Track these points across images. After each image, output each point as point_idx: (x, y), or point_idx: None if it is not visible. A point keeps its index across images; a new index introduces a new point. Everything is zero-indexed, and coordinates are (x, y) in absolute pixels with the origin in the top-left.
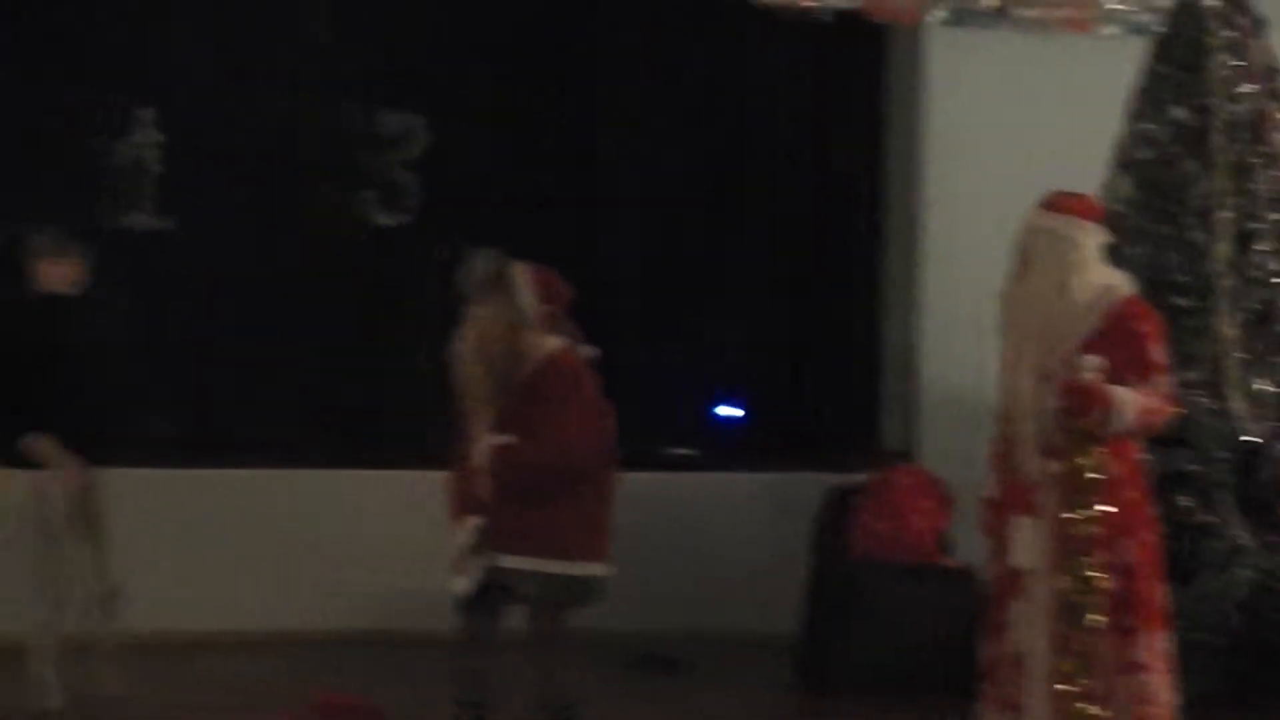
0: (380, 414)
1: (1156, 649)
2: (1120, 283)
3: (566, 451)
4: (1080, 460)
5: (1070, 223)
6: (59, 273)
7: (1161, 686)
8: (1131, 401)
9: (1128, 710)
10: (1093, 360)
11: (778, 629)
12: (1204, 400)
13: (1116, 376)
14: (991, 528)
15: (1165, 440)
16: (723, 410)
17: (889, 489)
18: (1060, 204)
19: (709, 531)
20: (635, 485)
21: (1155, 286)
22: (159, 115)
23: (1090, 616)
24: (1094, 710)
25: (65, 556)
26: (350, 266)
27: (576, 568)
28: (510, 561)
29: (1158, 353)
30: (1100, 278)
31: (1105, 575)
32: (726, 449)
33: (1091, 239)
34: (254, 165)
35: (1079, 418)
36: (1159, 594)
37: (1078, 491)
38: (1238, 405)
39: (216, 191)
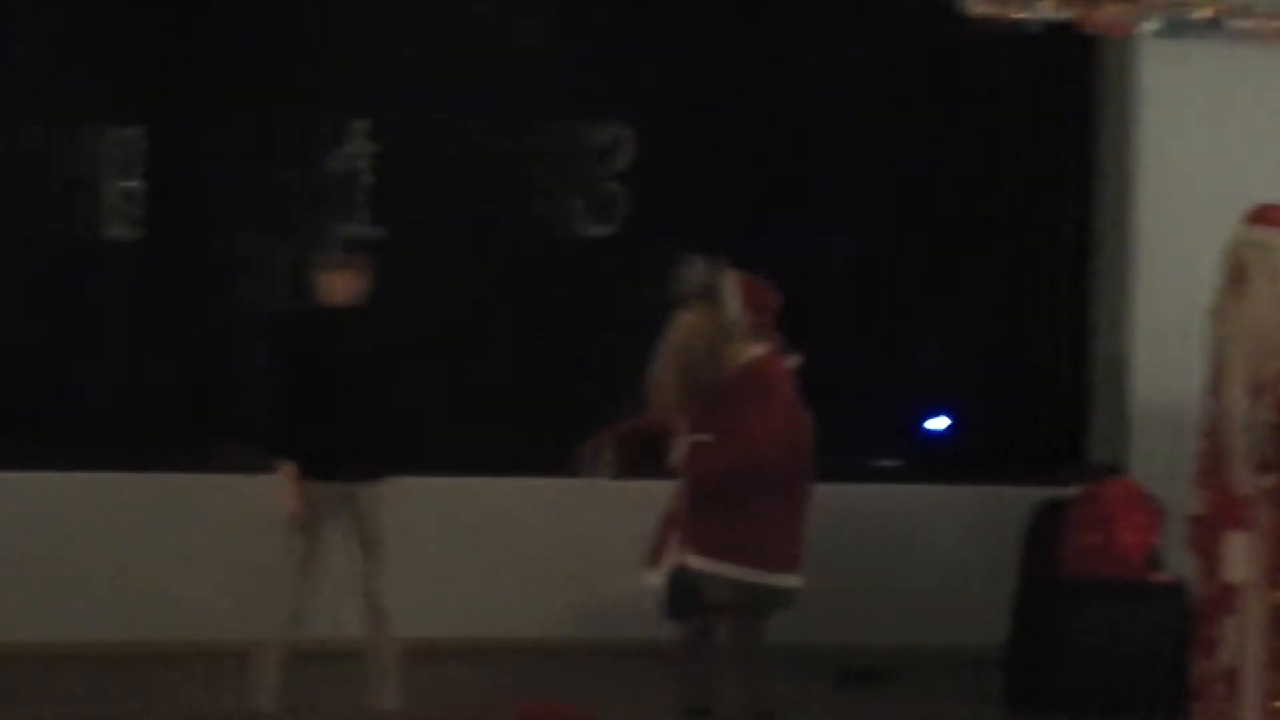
0: (588, 424)
1: None
2: None
3: (756, 451)
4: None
5: (1274, 234)
6: (345, 282)
7: None
8: None
9: None
10: None
11: (982, 644)
12: None
13: None
14: (1199, 544)
15: None
16: (930, 422)
17: (1098, 503)
18: (1270, 216)
19: (913, 544)
20: (839, 496)
21: None
22: (373, 127)
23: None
24: None
25: (309, 564)
26: (560, 276)
27: (768, 577)
28: (697, 563)
29: None
30: None
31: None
32: (932, 461)
33: None
34: (464, 177)
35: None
36: None
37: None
38: None
39: (427, 202)
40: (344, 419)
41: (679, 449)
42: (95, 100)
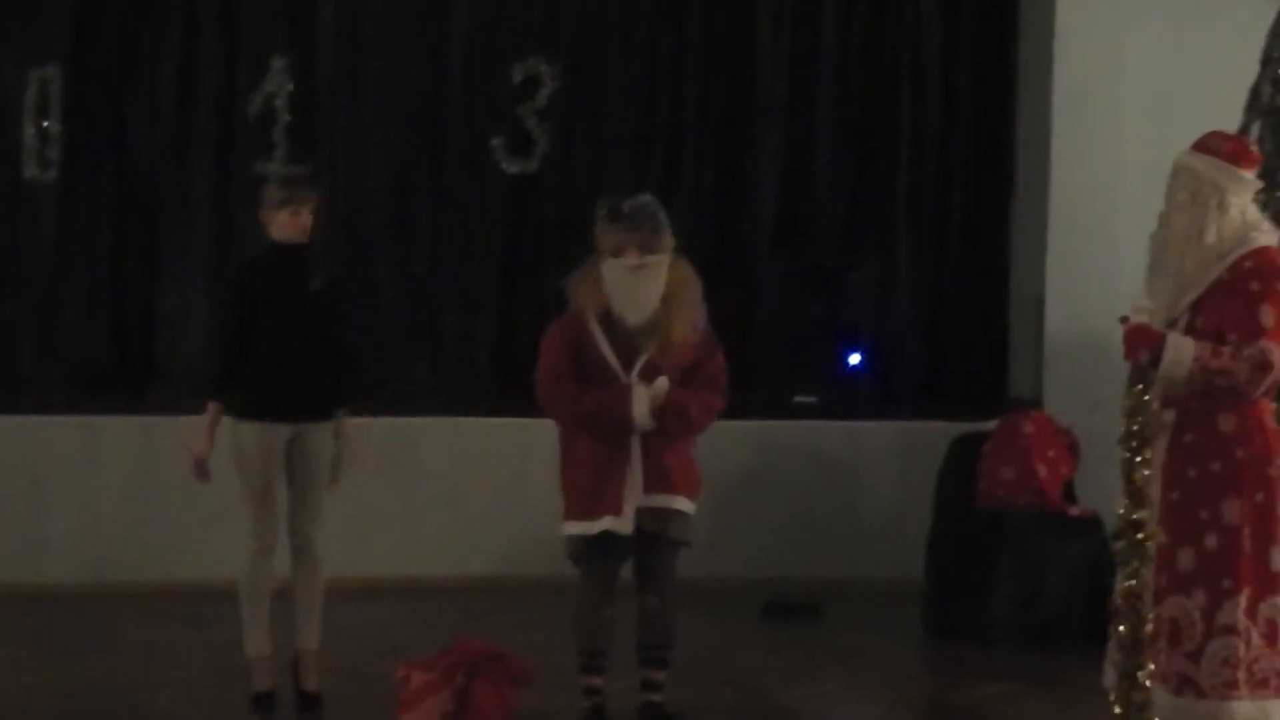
0: (514, 361)
1: (1252, 614)
2: (1262, 234)
3: (712, 399)
4: (1125, 401)
5: (1214, 165)
6: (293, 219)
7: (1261, 655)
8: (1189, 353)
9: (1217, 674)
10: (1182, 344)
11: (905, 575)
12: None
13: (1222, 329)
14: None
15: None
16: (851, 359)
17: (1015, 436)
18: (1208, 145)
19: (838, 480)
20: (767, 433)
21: None
22: (292, 64)
23: (1128, 568)
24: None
25: (271, 505)
26: (488, 214)
27: (691, 505)
28: (656, 499)
29: (1268, 315)
30: (1239, 226)
31: (1175, 530)
32: (854, 397)
33: (1237, 184)
34: (388, 113)
35: (1131, 355)
36: (1265, 558)
37: (1128, 438)
38: None
39: (347, 140)
40: (294, 359)
41: (647, 395)
42: (14, 39)
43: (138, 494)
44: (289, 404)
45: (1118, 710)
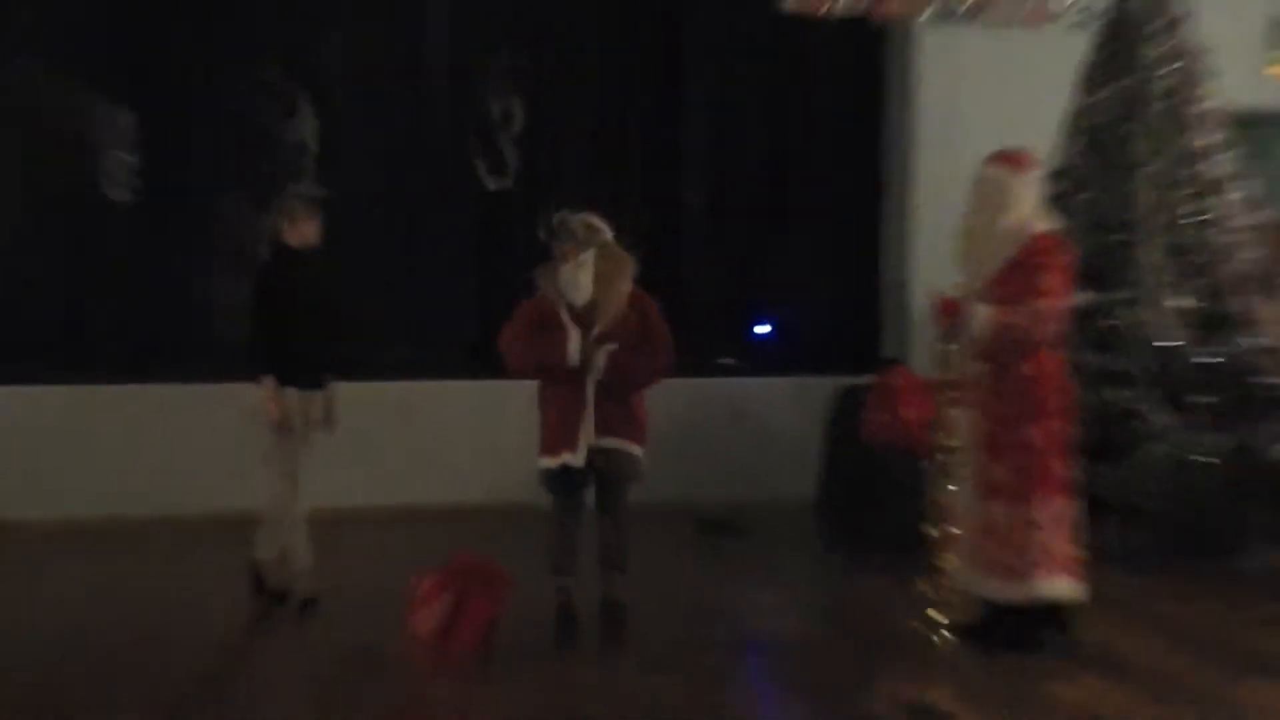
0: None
1: (1054, 513)
2: (1040, 221)
3: (655, 361)
4: (950, 350)
5: (1004, 171)
6: (302, 228)
7: (1056, 544)
8: (988, 317)
9: (1025, 559)
10: (985, 311)
11: (803, 497)
12: (1129, 314)
13: (1014, 296)
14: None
15: (1101, 344)
16: (760, 329)
17: (886, 387)
18: (999, 157)
19: (753, 421)
20: (695, 388)
21: (1096, 225)
22: (313, 104)
23: (948, 480)
24: (979, 554)
25: (289, 459)
26: (469, 223)
27: (640, 448)
28: (607, 441)
29: (1048, 281)
30: (1023, 216)
31: (989, 453)
32: (763, 359)
33: (1021, 185)
34: (391, 147)
35: (942, 323)
36: (1060, 469)
37: (940, 385)
38: (1159, 318)
39: (363, 167)
40: (303, 339)
41: (597, 358)
42: (101, 86)
43: (190, 443)
44: (304, 373)
45: (928, 593)
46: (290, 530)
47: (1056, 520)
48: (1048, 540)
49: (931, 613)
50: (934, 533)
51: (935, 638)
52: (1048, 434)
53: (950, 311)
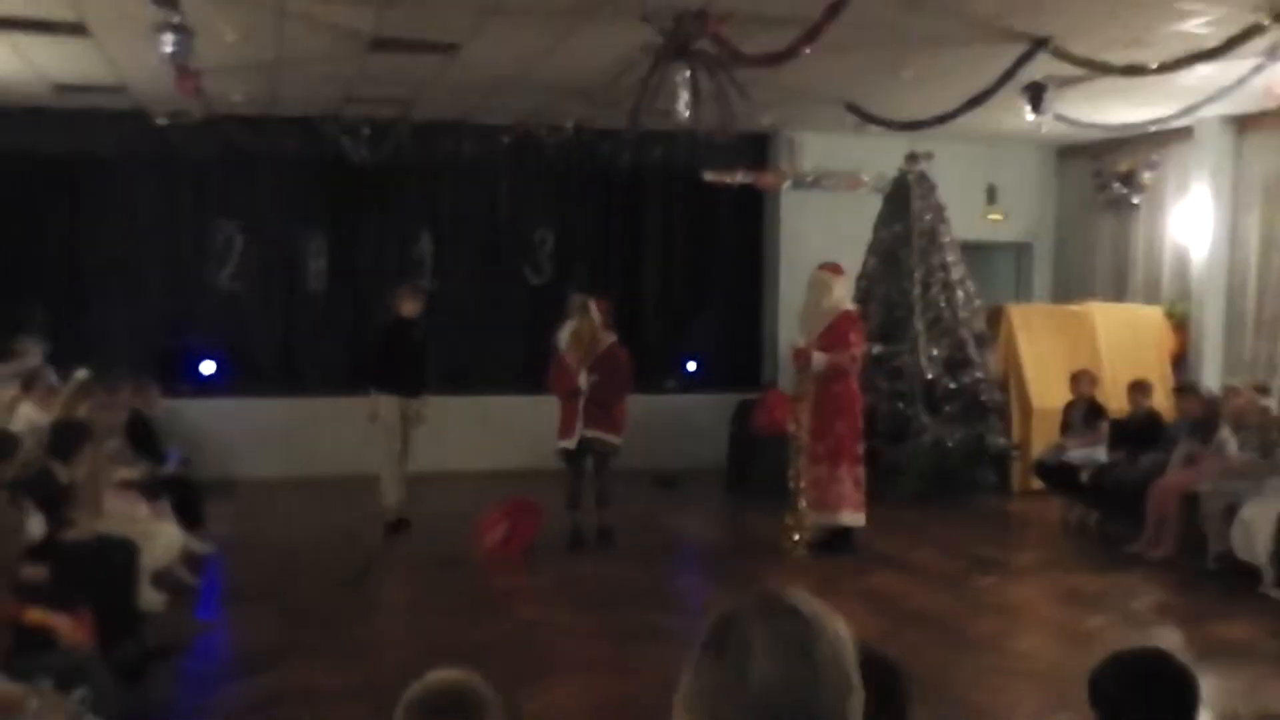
0: (537, 367)
1: (849, 474)
2: (846, 304)
3: (622, 385)
4: (800, 381)
5: (825, 274)
6: (412, 306)
7: (850, 491)
8: (822, 359)
9: (837, 500)
10: (820, 356)
11: (716, 466)
12: (908, 358)
13: (832, 347)
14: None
15: (891, 375)
16: (690, 365)
17: (766, 400)
18: (824, 266)
19: (686, 420)
20: (650, 402)
21: (887, 306)
22: (432, 235)
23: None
24: (812, 498)
25: (394, 442)
26: (520, 302)
27: (617, 439)
28: (592, 433)
29: (851, 339)
30: (836, 301)
31: (818, 436)
32: (691, 383)
33: (835, 283)
34: (474, 257)
35: (795, 364)
36: (853, 448)
37: (794, 398)
38: (923, 361)
39: (458, 269)
40: (406, 369)
41: (583, 382)
42: (301, 225)
43: (321, 432)
44: (404, 388)
45: (789, 522)
46: (397, 482)
47: (854, 479)
48: (846, 490)
49: (792, 534)
50: (792, 485)
51: (794, 549)
52: (848, 427)
53: (801, 355)
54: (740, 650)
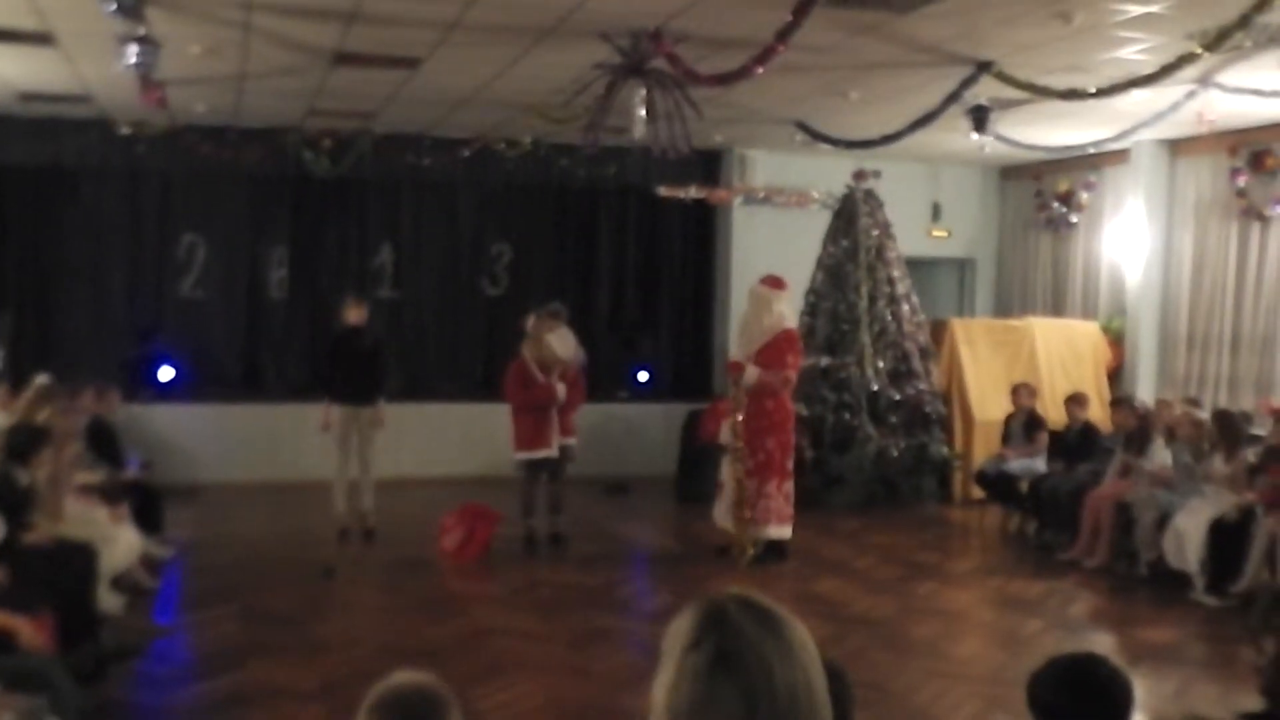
0: (494, 376)
1: (779, 490)
2: (787, 320)
3: (582, 391)
4: (734, 393)
5: (766, 290)
6: (357, 314)
7: (779, 506)
8: (755, 374)
9: (765, 514)
10: (752, 370)
11: (667, 473)
12: (854, 370)
13: (769, 364)
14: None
15: (836, 386)
16: (641, 376)
17: (713, 410)
18: (765, 280)
19: (638, 429)
20: (606, 410)
21: (834, 319)
22: (392, 247)
23: (738, 467)
24: (746, 512)
25: (347, 448)
26: (477, 313)
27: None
28: (565, 440)
29: (790, 357)
30: (778, 318)
31: (749, 450)
32: (643, 393)
33: (776, 298)
34: (431, 267)
35: (729, 376)
36: (783, 463)
37: (736, 410)
38: (869, 373)
39: (417, 279)
40: (354, 376)
41: (558, 391)
42: (263, 235)
43: (282, 438)
44: (353, 397)
45: (733, 530)
46: (351, 489)
47: (784, 495)
48: (775, 505)
49: (744, 544)
50: (735, 495)
51: (741, 556)
52: (779, 444)
53: (735, 368)
54: (755, 658)
